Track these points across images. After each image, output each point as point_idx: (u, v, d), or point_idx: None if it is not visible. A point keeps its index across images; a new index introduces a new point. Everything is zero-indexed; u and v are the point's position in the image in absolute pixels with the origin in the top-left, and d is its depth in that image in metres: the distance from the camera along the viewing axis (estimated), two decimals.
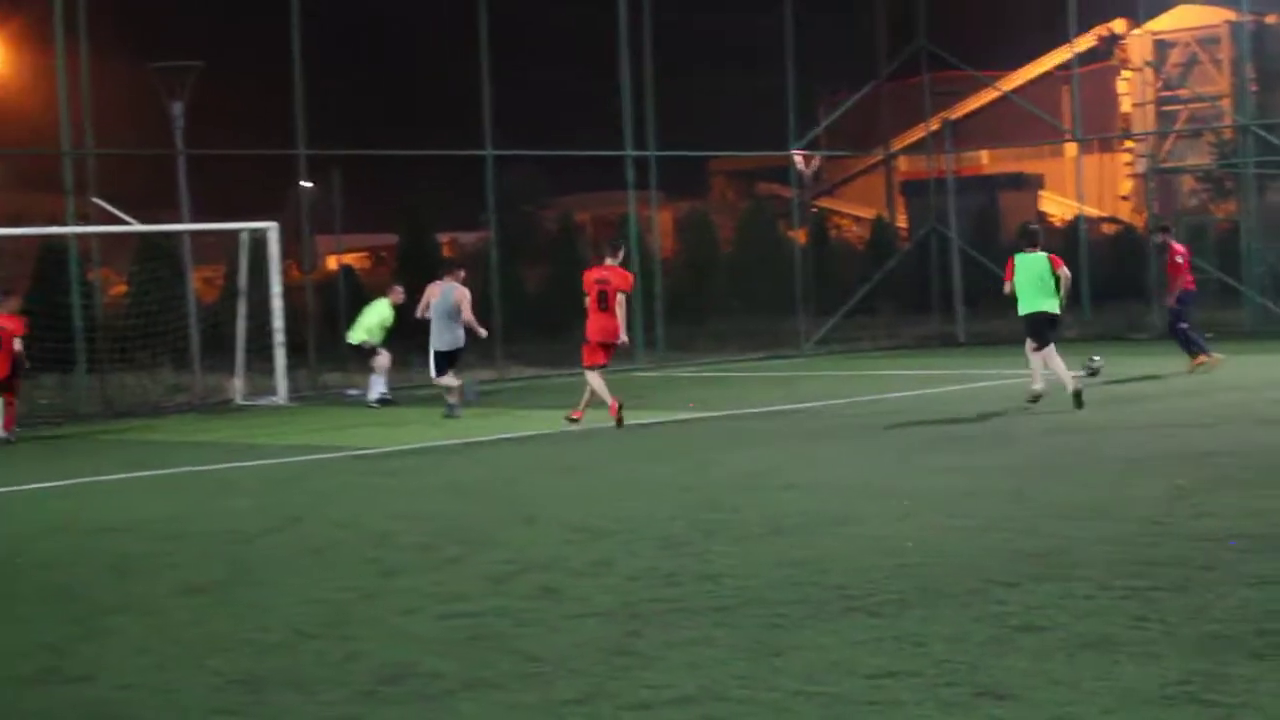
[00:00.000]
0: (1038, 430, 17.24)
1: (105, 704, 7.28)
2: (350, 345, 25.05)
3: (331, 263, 44.41)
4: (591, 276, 19.84)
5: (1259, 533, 10.23)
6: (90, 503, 14.81)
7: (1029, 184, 54.97)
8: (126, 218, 25.94)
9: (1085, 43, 47.98)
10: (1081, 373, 21.44)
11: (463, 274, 22.57)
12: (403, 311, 24.20)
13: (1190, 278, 24.17)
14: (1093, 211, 48.51)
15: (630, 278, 19.98)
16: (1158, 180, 47.52)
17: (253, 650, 8.19)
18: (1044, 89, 53.20)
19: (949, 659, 7.30)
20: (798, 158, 37.42)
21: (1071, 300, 34.39)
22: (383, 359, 24.36)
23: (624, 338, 19.95)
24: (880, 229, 45.64)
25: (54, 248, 28.71)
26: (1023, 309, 19.46)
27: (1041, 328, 19.35)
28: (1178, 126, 53.64)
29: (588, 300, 19.71)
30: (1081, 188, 39.63)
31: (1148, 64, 53.07)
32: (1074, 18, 36.60)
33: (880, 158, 47.05)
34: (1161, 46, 54.84)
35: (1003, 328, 35.50)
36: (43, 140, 31.94)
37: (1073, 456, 14.80)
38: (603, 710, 6.78)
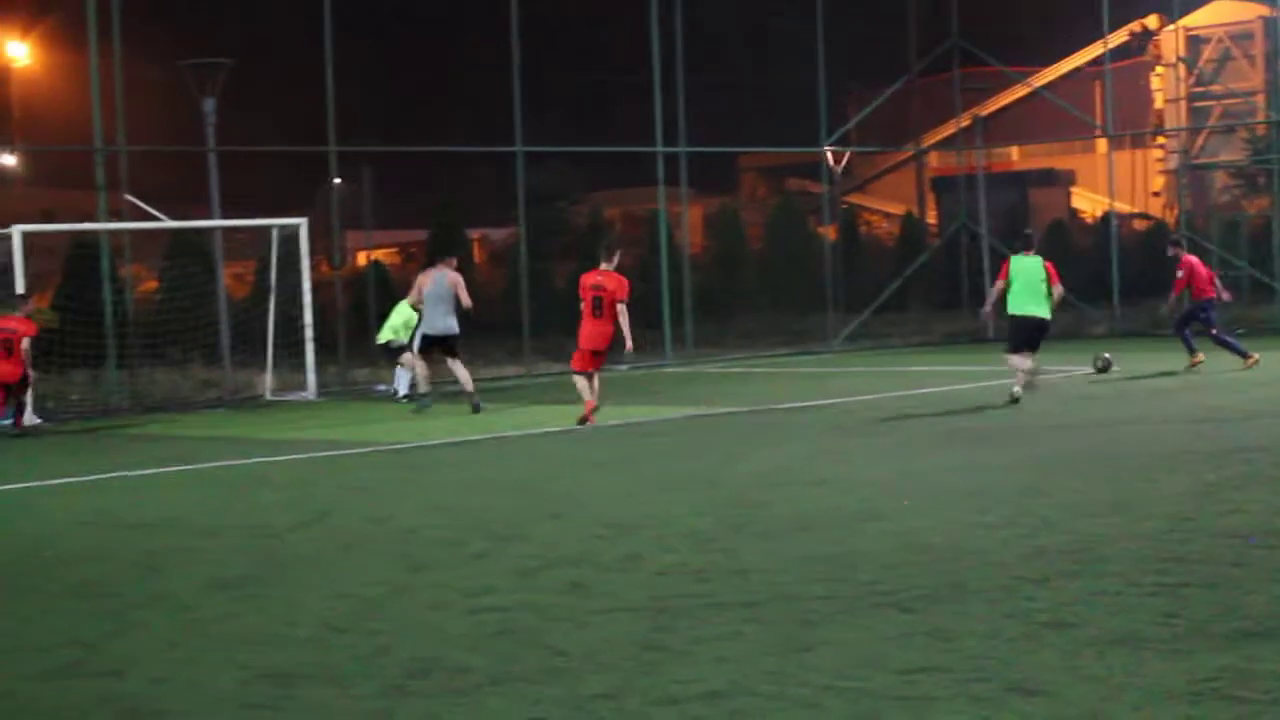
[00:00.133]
0: (1066, 426, 17.22)
1: (135, 698, 7.27)
2: (378, 346, 25.13)
3: (361, 259, 44.47)
4: (587, 281, 19.56)
5: None
6: (120, 498, 14.83)
7: (1060, 180, 54.67)
8: (158, 214, 26.01)
9: (1118, 38, 47.73)
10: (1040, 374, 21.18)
11: (454, 262, 22.82)
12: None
13: (1207, 288, 24.09)
14: (1124, 208, 48.26)
15: (627, 284, 19.52)
16: (1190, 176, 47.34)
17: (282, 645, 8.20)
18: (1076, 85, 52.96)
19: (979, 655, 7.28)
20: (828, 154, 37.34)
21: (1102, 297, 34.55)
22: (409, 355, 24.37)
23: (630, 345, 19.59)
24: (910, 225, 45.51)
25: (85, 244, 28.82)
26: (1015, 310, 19.71)
27: (1033, 333, 19.67)
28: (1211, 122, 53.36)
29: (582, 305, 19.59)
30: (1113, 184, 39.41)
31: (1181, 59, 52.70)
32: (1107, 13, 36.43)
33: (911, 153, 46.98)
34: (1195, 42, 54.47)
35: None
36: (75, 137, 32.07)
37: (1101, 452, 14.76)
38: (631, 705, 6.77)
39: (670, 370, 30.29)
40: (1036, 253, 19.91)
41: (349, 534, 11.75)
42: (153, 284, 34.85)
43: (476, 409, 21.49)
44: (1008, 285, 19.68)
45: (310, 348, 25.97)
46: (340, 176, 31.37)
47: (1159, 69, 55.28)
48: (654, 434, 18.69)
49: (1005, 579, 8.93)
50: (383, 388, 26.04)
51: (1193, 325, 24.08)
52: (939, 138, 46.82)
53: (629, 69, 35.08)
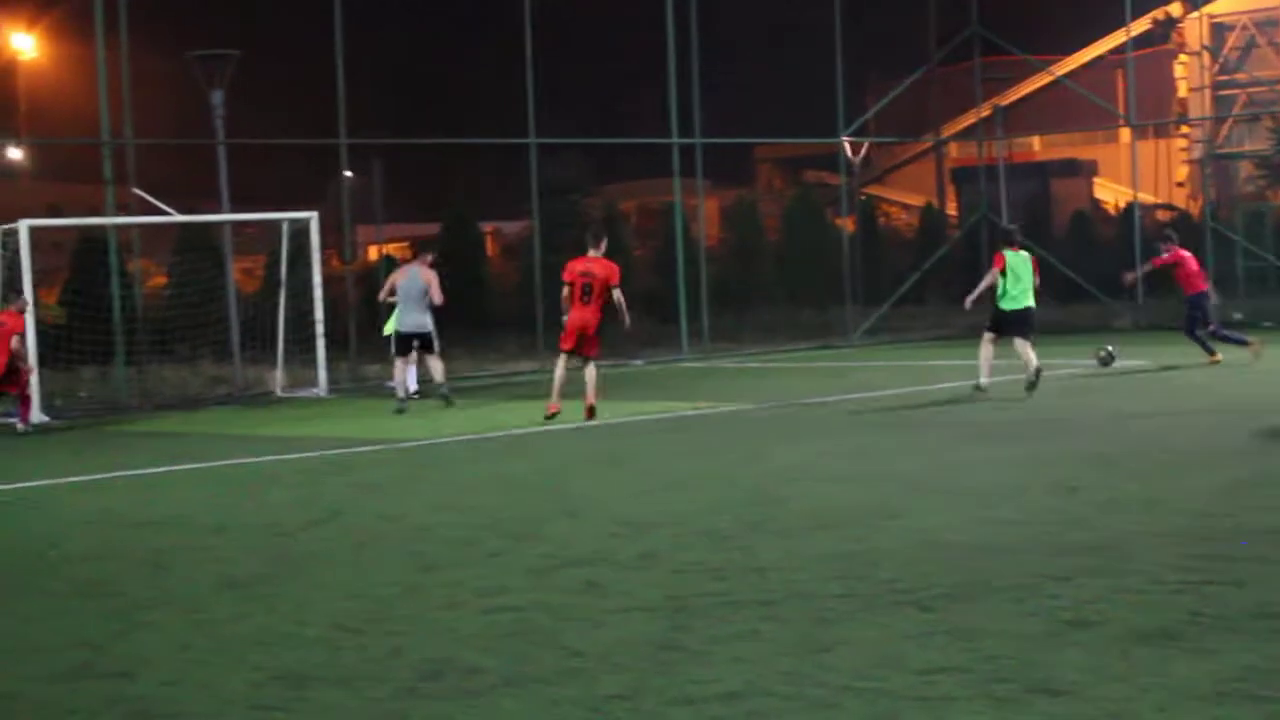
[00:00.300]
0: (1087, 421, 17.20)
1: (145, 700, 7.20)
2: (384, 338, 25.03)
3: (372, 253, 44.47)
4: (576, 268, 19.55)
5: None
6: (129, 496, 14.77)
7: (1082, 170, 54.58)
8: (166, 208, 25.97)
9: (1140, 26, 47.61)
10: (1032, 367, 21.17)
11: (431, 259, 22.85)
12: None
13: (1199, 281, 23.99)
14: (1148, 198, 48.09)
15: (616, 269, 19.54)
16: (1214, 166, 47.17)
17: (294, 645, 8.12)
18: (1098, 74, 52.84)
19: (1001, 654, 7.19)
20: (846, 144, 37.20)
21: (1124, 289, 34.35)
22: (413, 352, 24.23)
23: (628, 323, 19.70)
24: (930, 216, 45.44)
25: (93, 238, 28.78)
26: (1012, 304, 20.37)
27: (1032, 323, 20.44)
28: (1235, 111, 53.19)
29: (565, 289, 19.55)
30: (1136, 174, 39.27)
31: (1204, 48, 52.61)
32: (1129, 1, 36.25)
33: (930, 144, 46.86)
34: (1219, 30, 54.35)
35: (1053, 317, 35.33)
36: (82, 130, 32.07)
37: (1122, 447, 14.68)
38: (647, 705, 6.70)
39: (687, 365, 30.20)
40: (1021, 247, 20.67)
41: (361, 533, 11.67)
42: (161, 279, 34.86)
43: (447, 401, 21.72)
44: (1001, 279, 20.29)
45: (321, 344, 25.91)
46: (351, 170, 31.26)
47: (1182, 57, 55.21)
48: (670, 430, 18.60)
49: (1027, 576, 8.84)
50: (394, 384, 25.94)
51: (1205, 319, 23.93)
52: (959, 128, 46.73)
53: (644, 59, 35.00)
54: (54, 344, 24.98)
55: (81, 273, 29.16)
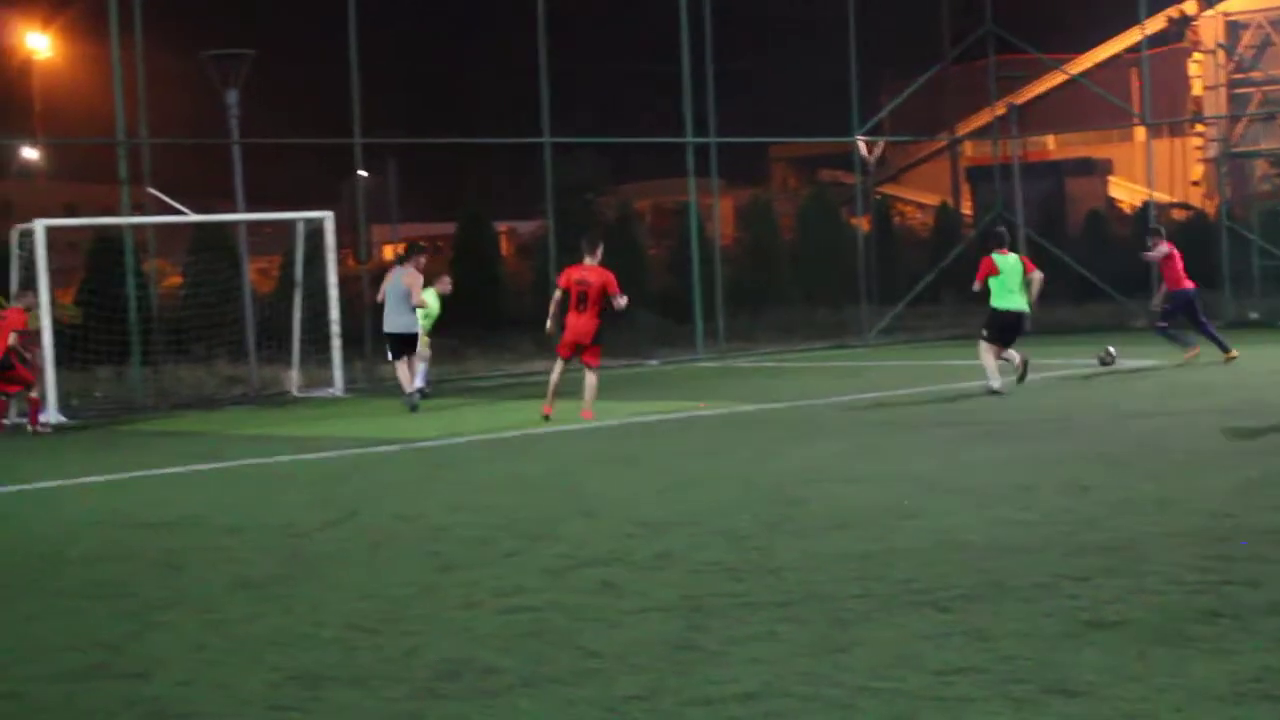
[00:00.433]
0: (1101, 421, 17.19)
1: (161, 701, 7.20)
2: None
3: (388, 252, 44.50)
4: (571, 276, 19.56)
5: None
6: (144, 496, 14.76)
7: (1097, 169, 54.38)
8: (181, 208, 25.98)
9: (1155, 24, 47.42)
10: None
11: (422, 260, 23.17)
12: (447, 302, 24.24)
13: (1184, 279, 24.02)
14: (1163, 197, 47.94)
15: (612, 277, 19.46)
16: (1230, 165, 46.97)
17: (310, 646, 8.12)
18: (1112, 72, 52.68)
19: (1018, 654, 7.18)
20: (861, 144, 37.14)
21: (1142, 288, 34.26)
22: (424, 350, 24.24)
23: (623, 301, 19.48)
24: (945, 216, 45.36)
25: (108, 238, 28.78)
26: (1002, 304, 20.65)
27: (1019, 326, 20.78)
28: (1251, 110, 52.96)
29: (557, 293, 19.59)
30: (1152, 173, 39.16)
31: (1220, 46, 52.37)
32: None
33: (945, 143, 46.79)
34: (1234, 28, 54.09)
35: (1068, 317, 35.29)
36: (97, 130, 32.10)
37: (1137, 447, 14.65)
38: (664, 706, 6.70)
39: (702, 365, 30.16)
40: (1010, 249, 21.19)
41: (377, 533, 11.66)
42: (177, 279, 34.87)
43: (413, 408, 21.73)
44: (993, 281, 20.63)
45: (337, 343, 25.90)
46: (366, 169, 31.26)
47: (1197, 55, 54.97)
48: (686, 430, 18.58)
49: (1045, 577, 8.82)
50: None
51: (1174, 319, 24.05)
52: (973, 127, 46.62)
53: (658, 58, 34.95)
54: (70, 344, 24.99)
55: (97, 272, 29.15)
